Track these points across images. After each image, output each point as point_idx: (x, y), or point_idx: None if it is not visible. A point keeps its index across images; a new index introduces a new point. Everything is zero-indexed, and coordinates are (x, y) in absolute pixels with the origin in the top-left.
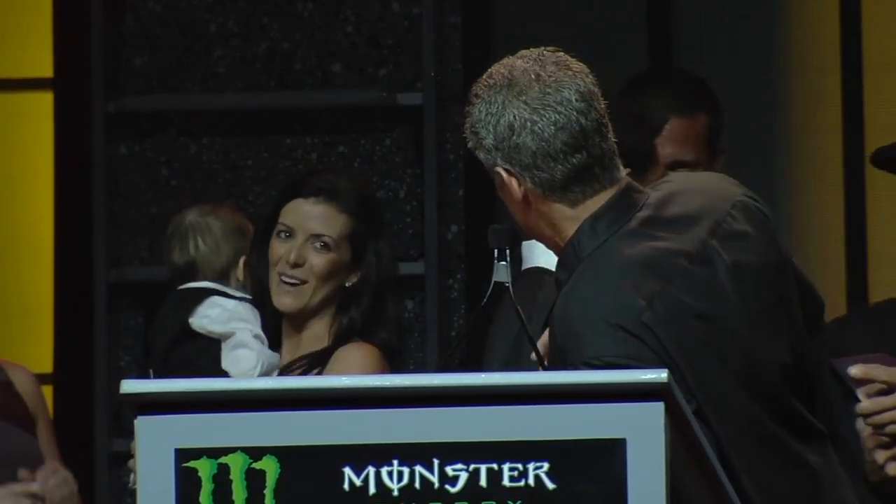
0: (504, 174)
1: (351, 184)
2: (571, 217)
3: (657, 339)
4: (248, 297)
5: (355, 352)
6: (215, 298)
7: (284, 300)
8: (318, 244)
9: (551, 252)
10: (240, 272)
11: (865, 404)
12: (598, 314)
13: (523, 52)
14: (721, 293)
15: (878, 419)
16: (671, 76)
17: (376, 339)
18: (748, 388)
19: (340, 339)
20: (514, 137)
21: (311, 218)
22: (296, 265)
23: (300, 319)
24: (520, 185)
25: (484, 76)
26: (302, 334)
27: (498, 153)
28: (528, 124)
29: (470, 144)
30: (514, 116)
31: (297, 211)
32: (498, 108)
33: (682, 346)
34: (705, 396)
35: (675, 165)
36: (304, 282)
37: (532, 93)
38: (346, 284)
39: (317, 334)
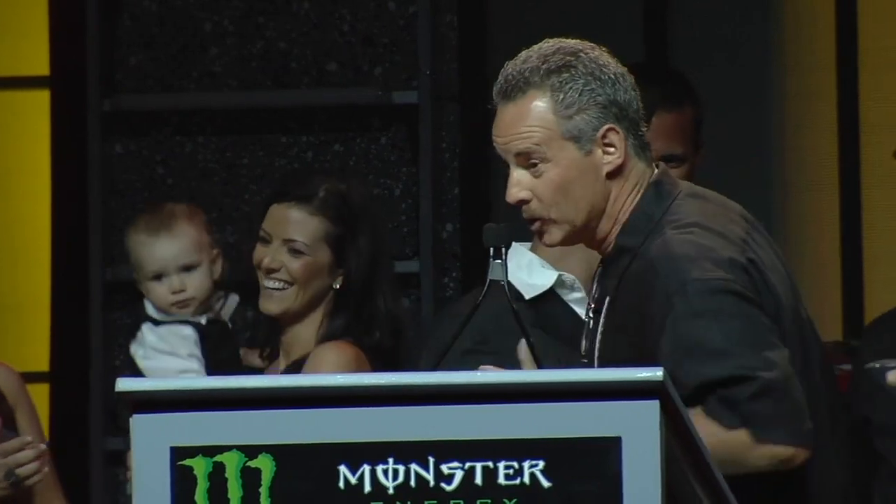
0: (613, 134)
1: (330, 186)
2: (644, 180)
3: (761, 274)
4: (175, 317)
5: (329, 351)
6: (143, 328)
7: (267, 305)
8: (291, 249)
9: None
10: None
11: None
12: (702, 251)
13: (533, 48)
14: (779, 259)
15: None
16: (656, 70)
17: (365, 341)
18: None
19: (325, 341)
20: (630, 90)
21: (285, 223)
22: (271, 269)
23: (287, 323)
24: (625, 144)
25: (544, 61)
26: (292, 338)
27: (614, 109)
28: (630, 79)
29: (571, 111)
30: (622, 72)
31: (274, 216)
32: (605, 63)
33: (776, 286)
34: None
35: (664, 160)
36: (289, 284)
37: (608, 55)
38: (335, 286)
39: (305, 337)
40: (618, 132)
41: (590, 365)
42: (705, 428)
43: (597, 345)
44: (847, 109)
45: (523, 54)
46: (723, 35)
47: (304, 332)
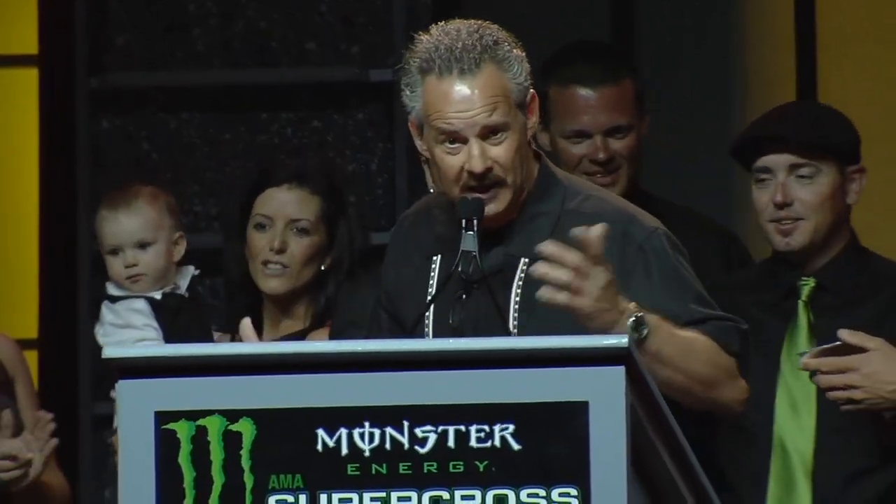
0: (534, 100)
1: (318, 164)
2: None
3: None
4: (130, 293)
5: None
6: (103, 308)
7: (271, 283)
8: (297, 229)
9: None
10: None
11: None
12: (637, 208)
13: (437, 30)
14: None
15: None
16: (593, 47)
17: None
18: None
19: (317, 319)
20: None
21: (288, 204)
22: (280, 251)
23: (283, 302)
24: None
25: (479, 36)
26: (282, 316)
27: (530, 77)
28: None
29: (520, 80)
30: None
31: (273, 199)
32: (509, 35)
33: None
34: None
35: (611, 132)
36: (287, 266)
37: None
38: (322, 267)
39: (296, 316)
40: (535, 98)
41: (462, 334)
42: (710, 344)
43: (512, 304)
44: (806, 88)
45: (442, 36)
46: (687, 17)
47: (297, 311)
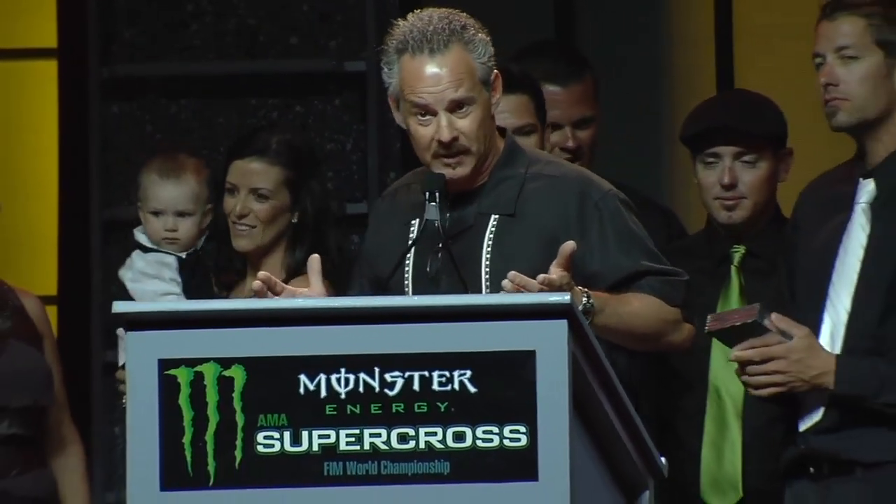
0: (497, 79)
1: (281, 138)
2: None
3: None
4: (159, 249)
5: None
6: (133, 255)
7: (240, 242)
8: (258, 195)
9: None
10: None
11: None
12: (594, 175)
13: (413, 17)
14: None
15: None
16: (557, 47)
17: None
18: None
19: (292, 272)
20: None
21: (249, 174)
22: (242, 215)
23: (257, 256)
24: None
25: (448, 21)
26: (260, 267)
27: (494, 58)
28: None
29: (483, 59)
30: None
31: (238, 170)
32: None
33: None
34: None
35: (579, 123)
36: (253, 227)
37: None
38: (293, 221)
39: (273, 269)
40: (499, 77)
41: (438, 281)
42: (653, 303)
43: (485, 253)
44: (724, 80)
45: (416, 21)
46: (620, 17)
47: (273, 264)
